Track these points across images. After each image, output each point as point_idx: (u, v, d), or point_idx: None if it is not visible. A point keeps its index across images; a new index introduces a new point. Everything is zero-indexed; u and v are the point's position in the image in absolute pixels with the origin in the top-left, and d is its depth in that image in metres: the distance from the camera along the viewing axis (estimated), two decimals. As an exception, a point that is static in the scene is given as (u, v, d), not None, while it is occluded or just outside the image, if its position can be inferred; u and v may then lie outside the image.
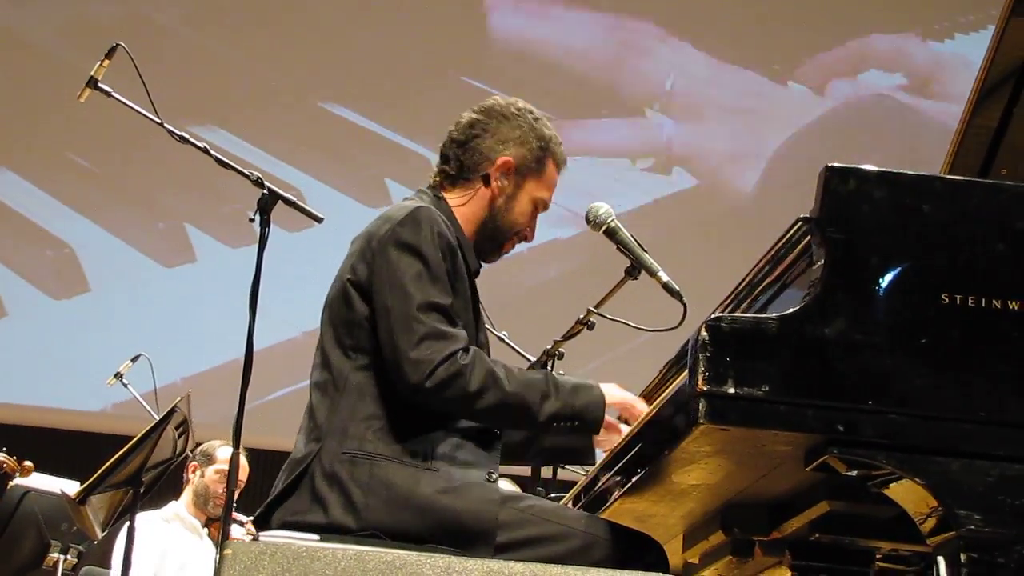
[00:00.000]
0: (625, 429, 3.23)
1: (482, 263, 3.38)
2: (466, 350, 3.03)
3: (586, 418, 3.12)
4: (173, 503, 6.52)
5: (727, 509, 3.06)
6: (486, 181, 3.32)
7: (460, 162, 3.35)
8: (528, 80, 9.53)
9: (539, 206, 3.38)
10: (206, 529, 6.43)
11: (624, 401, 3.24)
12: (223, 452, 6.41)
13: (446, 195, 3.35)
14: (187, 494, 6.50)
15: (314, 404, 3.15)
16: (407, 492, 2.97)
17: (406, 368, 3.01)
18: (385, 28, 9.77)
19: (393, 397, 3.06)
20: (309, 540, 2.88)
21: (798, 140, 9.77)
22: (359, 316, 3.13)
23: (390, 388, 3.06)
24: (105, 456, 5.12)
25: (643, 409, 3.20)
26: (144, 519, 6.28)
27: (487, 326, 4.68)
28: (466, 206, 3.33)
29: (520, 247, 3.46)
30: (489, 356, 3.24)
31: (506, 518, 2.98)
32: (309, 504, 3.00)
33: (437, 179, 3.39)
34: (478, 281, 3.36)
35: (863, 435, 2.45)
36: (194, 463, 6.45)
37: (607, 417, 3.20)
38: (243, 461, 6.49)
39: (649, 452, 2.85)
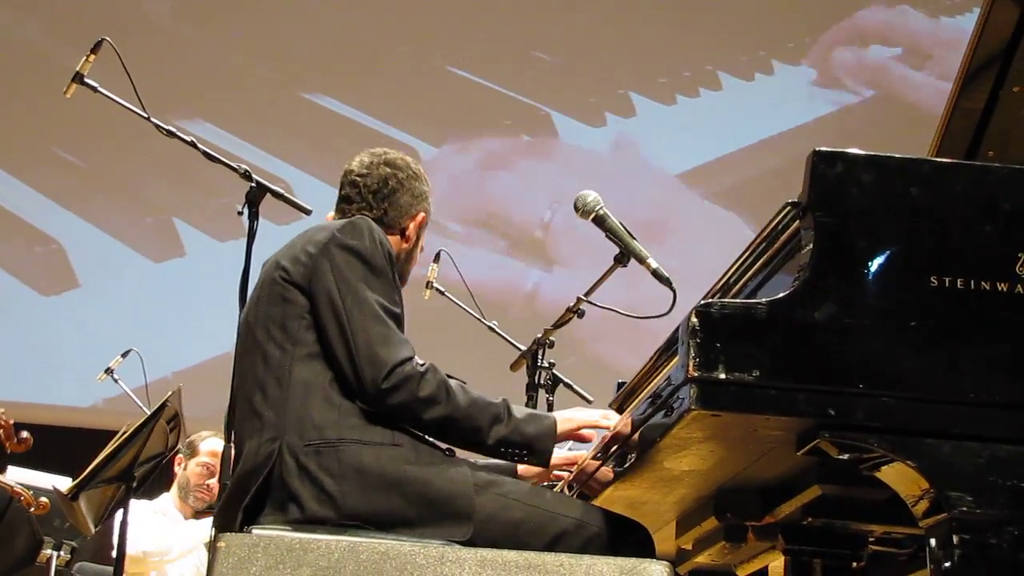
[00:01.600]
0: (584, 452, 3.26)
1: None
2: (422, 363, 3.07)
3: (536, 448, 3.16)
4: (164, 495, 6.51)
5: (720, 494, 3.06)
6: (402, 234, 3.45)
7: (385, 211, 3.44)
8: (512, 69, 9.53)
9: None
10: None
11: (585, 422, 3.24)
12: (206, 445, 6.40)
13: None
14: (173, 488, 6.49)
15: (257, 404, 3.13)
16: (378, 472, 2.97)
17: (363, 367, 3.03)
18: (368, 17, 9.75)
19: (343, 383, 3.07)
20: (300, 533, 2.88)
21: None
22: (299, 309, 3.14)
23: (339, 375, 3.07)
24: (97, 452, 5.11)
25: (610, 423, 3.21)
26: (136, 506, 6.29)
27: (476, 315, 4.71)
28: None
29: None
30: None
31: (484, 502, 2.99)
32: (283, 503, 2.98)
33: (353, 214, 3.44)
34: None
35: (854, 418, 2.45)
36: (179, 456, 6.42)
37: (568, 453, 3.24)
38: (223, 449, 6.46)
39: (641, 440, 2.85)
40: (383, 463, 2.98)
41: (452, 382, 3.10)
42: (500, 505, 3.00)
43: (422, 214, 3.46)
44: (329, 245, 3.16)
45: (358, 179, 3.47)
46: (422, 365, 3.06)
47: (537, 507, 3.03)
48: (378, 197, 3.44)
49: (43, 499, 5.67)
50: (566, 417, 3.22)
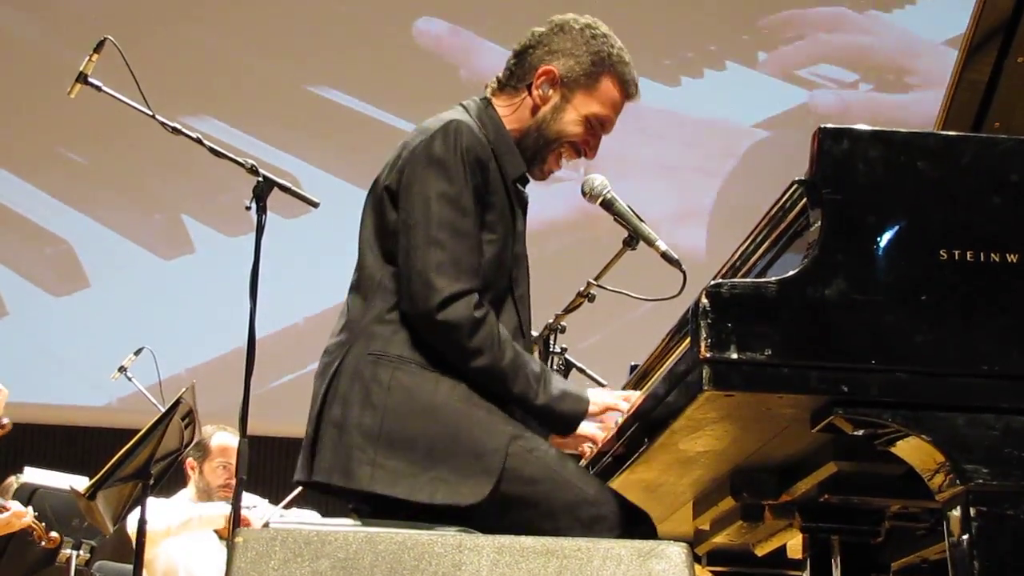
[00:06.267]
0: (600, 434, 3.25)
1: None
2: (480, 301, 3.05)
3: (560, 425, 3.17)
4: (182, 492, 6.52)
5: (735, 474, 3.06)
6: (529, 90, 3.32)
7: (511, 71, 3.36)
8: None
9: (594, 123, 3.33)
10: None
11: (608, 405, 3.22)
12: (216, 442, 6.39)
13: (496, 101, 3.36)
14: (191, 490, 6.48)
15: (348, 304, 3.18)
16: (426, 398, 2.99)
17: (417, 289, 3.03)
18: (372, 6, 9.74)
19: None
20: (317, 523, 2.89)
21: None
22: (391, 223, 3.14)
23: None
24: (112, 450, 5.13)
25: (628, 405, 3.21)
26: (153, 504, 6.29)
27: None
28: (513, 114, 3.33)
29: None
30: (527, 269, 3.32)
31: (512, 464, 2.98)
32: (332, 399, 3.04)
33: (491, 87, 3.40)
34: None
35: (868, 394, 2.45)
36: (190, 460, 6.39)
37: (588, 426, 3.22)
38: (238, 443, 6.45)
39: (655, 422, 2.85)
40: (432, 389, 3.01)
41: (502, 333, 3.07)
42: (520, 458, 3.00)
43: (547, 67, 3.30)
44: (418, 158, 3.12)
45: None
46: (479, 309, 3.03)
47: (556, 471, 3.02)
48: (514, 56, 3.39)
49: (53, 534, 5.72)
50: (592, 400, 3.20)
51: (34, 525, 5.67)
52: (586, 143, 3.35)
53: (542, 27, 3.37)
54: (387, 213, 3.16)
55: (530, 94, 3.32)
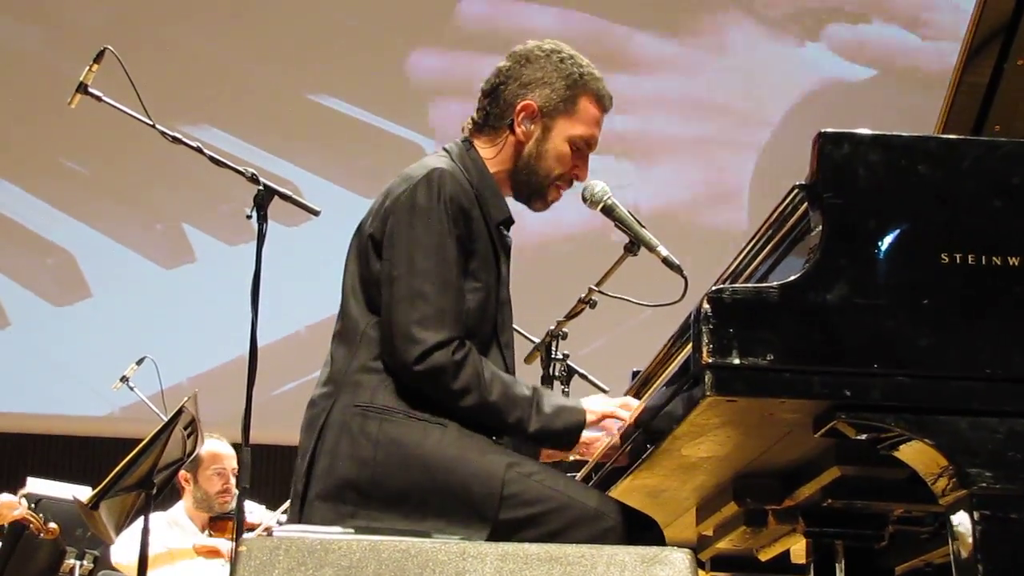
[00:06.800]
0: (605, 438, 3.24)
1: (512, 214, 3.33)
2: (462, 343, 3.03)
3: (561, 441, 3.16)
4: (179, 504, 6.51)
5: (738, 480, 3.06)
6: (511, 129, 3.30)
7: (487, 112, 3.33)
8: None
9: (579, 144, 3.32)
10: (206, 532, 6.37)
11: (605, 413, 3.21)
12: (206, 448, 6.37)
13: (477, 143, 3.33)
14: (187, 501, 6.46)
15: (332, 354, 3.16)
16: (415, 448, 2.98)
17: (398, 343, 3.01)
18: (370, 14, 9.75)
19: None
20: (321, 531, 2.88)
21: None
22: (375, 272, 3.12)
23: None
24: (115, 460, 5.13)
25: (627, 413, 3.20)
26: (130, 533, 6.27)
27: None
28: (497, 157, 3.30)
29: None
30: (511, 315, 3.28)
31: (511, 490, 2.97)
32: (321, 454, 3.02)
33: (468, 129, 3.37)
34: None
35: (871, 399, 2.44)
36: (183, 472, 6.32)
37: (588, 433, 3.20)
38: (231, 450, 6.45)
39: (658, 428, 2.85)
40: (421, 440, 2.99)
41: (487, 369, 3.06)
42: (520, 483, 2.99)
43: (525, 102, 3.27)
44: (402, 207, 3.10)
45: (484, 82, 3.37)
46: (459, 352, 3.02)
47: (558, 491, 3.01)
48: (484, 96, 3.35)
49: (52, 525, 5.71)
50: (588, 409, 3.19)
51: (29, 517, 5.68)
52: (576, 166, 3.34)
53: (506, 61, 3.34)
54: (371, 262, 3.14)
55: (513, 132, 3.30)
